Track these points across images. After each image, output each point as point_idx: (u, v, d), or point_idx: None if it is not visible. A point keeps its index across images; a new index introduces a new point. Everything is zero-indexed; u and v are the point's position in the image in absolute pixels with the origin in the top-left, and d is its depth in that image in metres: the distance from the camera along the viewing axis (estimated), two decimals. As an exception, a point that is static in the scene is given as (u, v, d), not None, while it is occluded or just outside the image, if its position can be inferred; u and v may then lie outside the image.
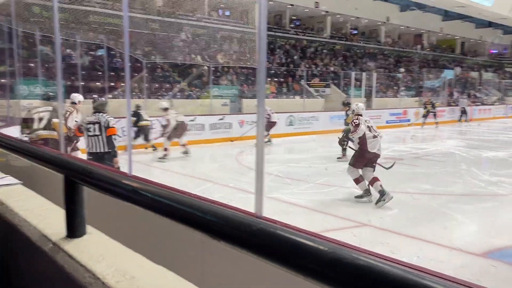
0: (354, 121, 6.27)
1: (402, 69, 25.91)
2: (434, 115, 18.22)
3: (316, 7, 23.41)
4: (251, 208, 2.57)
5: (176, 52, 14.44)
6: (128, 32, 3.44)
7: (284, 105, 15.57)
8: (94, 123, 5.57)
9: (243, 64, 15.80)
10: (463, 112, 21.03)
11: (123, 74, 12.06)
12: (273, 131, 11.83)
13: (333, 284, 0.51)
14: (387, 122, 17.49)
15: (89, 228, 1.34)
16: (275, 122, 11.83)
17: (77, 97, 6.77)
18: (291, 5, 22.99)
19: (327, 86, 19.72)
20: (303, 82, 18.11)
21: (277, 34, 22.54)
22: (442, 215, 5.40)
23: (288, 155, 11.13)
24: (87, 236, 1.28)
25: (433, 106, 18.25)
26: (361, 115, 6.37)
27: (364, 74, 20.03)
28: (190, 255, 1.90)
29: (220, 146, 11.76)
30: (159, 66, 14.89)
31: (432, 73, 26.29)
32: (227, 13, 15.76)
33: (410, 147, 12.59)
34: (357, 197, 6.09)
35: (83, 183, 1.22)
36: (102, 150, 5.56)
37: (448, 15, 28.98)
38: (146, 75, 13.42)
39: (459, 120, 20.90)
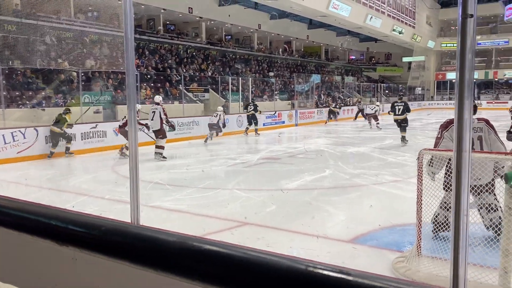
0: None
1: (271, 73, 27.38)
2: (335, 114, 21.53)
3: (190, 13, 23.46)
4: (128, 219, 2.44)
5: (39, 56, 13.19)
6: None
7: (162, 111, 15.25)
8: None
9: (116, 69, 15.08)
10: (361, 111, 22.31)
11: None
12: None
13: (184, 273, 0.51)
14: (264, 124, 18.25)
15: None
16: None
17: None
18: (164, 9, 22.69)
19: (206, 91, 19.89)
20: (181, 87, 17.97)
21: (151, 38, 22.03)
22: (314, 208, 5.82)
23: (169, 161, 10.93)
24: None
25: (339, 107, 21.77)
26: None
27: (240, 79, 20.66)
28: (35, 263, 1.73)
29: (94, 157, 11.05)
30: (19, 71, 13.44)
31: (302, 77, 28.22)
32: (95, 15, 14.92)
33: (285, 146, 13.33)
34: None
35: None
36: None
37: (312, 24, 31.43)
38: (4, 82, 12.00)
39: (355, 118, 22.92)
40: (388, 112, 13.47)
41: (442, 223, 4.10)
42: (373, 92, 34.04)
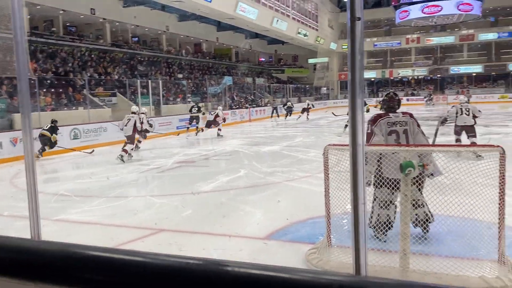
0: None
1: (180, 75, 27.01)
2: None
3: (93, 14, 22.32)
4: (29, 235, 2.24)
5: None
6: None
7: (66, 117, 14.30)
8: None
9: (10, 75, 13.82)
10: (306, 110, 23.82)
11: None
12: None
13: (66, 282, 0.48)
14: (177, 127, 17.96)
15: None
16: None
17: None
18: (63, 10, 21.32)
19: (113, 95, 19.03)
20: (85, 91, 16.98)
21: (49, 41, 20.54)
22: (230, 208, 5.86)
23: (76, 171, 10.30)
24: None
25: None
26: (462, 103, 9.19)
27: (150, 82, 20.09)
28: None
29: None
30: None
31: (214, 79, 28.26)
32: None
33: (200, 149, 13.25)
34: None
35: None
36: None
37: (221, 26, 31.63)
38: None
39: (307, 118, 23.45)
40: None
41: (385, 222, 4.04)
42: (283, 93, 35.18)
